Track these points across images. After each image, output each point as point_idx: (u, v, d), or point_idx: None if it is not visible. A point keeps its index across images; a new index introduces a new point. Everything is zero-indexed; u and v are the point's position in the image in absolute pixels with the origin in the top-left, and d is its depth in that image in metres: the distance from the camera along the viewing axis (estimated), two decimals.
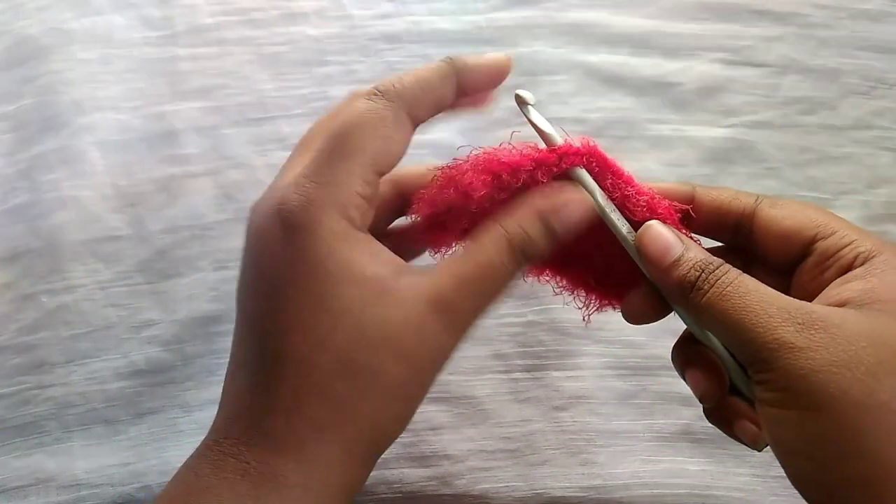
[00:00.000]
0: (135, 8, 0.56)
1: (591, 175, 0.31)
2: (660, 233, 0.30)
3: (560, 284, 0.35)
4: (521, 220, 0.30)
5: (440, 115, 0.32)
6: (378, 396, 0.29)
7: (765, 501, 0.46)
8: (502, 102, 0.53)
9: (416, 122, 0.31)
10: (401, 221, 0.36)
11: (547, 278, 0.35)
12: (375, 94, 0.30)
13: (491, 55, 0.33)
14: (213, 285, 0.49)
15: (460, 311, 0.30)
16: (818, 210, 0.31)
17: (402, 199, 0.34)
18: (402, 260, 0.30)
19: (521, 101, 0.33)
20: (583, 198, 0.31)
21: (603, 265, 0.34)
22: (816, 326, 0.26)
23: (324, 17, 0.56)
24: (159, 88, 0.54)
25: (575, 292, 0.35)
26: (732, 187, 0.34)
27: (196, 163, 0.52)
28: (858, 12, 0.55)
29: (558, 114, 0.53)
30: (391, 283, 0.29)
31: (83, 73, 0.54)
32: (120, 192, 0.51)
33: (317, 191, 0.28)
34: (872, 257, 0.29)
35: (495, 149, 0.31)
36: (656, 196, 0.32)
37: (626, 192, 0.32)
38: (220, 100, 0.53)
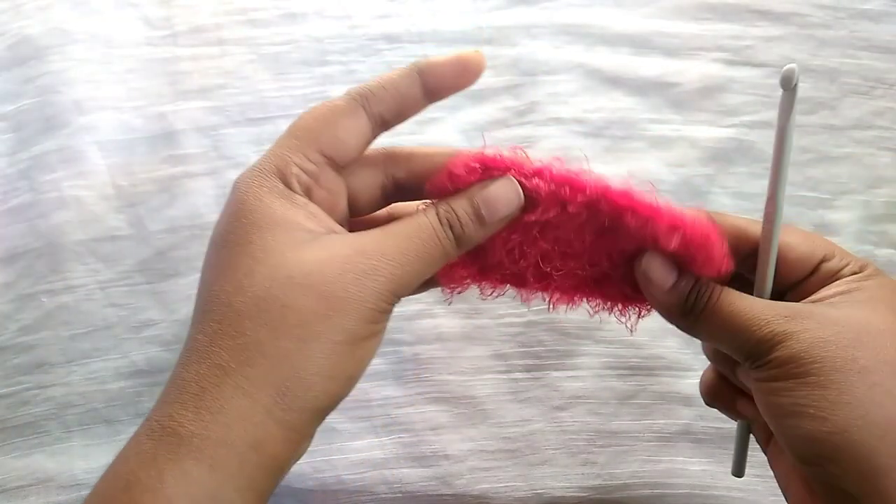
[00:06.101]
0: (135, 8, 0.56)
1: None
2: (661, 261, 0.33)
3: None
4: (454, 201, 0.32)
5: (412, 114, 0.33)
6: (289, 333, 0.28)
7: (765, 501, 0.46)
8: (502, 102, 0.53)
9: (375, 115, 0.32)
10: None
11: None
12: (341, 95, 0.33)
13: (458, 53, 0.33)
14: None
15: (384, 266, 0.30)
16: (819, 237, 0.35)
17: (419, 182, 0.35)
18: (337, 224, 0.32)
19: None
20: (513, 193, 0.32)
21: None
22: (802, 316, 0.30)
23: (324, 17, 0.55)
24: (160, 88, 0.54)
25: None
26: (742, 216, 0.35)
27: (196, 163, 0.52)
28: (858, 12, 0.55)
29: (558, 114, 0.53)
30: (320, 234, 0.30)
31: (83, 73, 0.54)
32: (120, 192, 0.51)
33: (260, 159, 0.31)
34: (859, 271, 0.33)
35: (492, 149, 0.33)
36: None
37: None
38: (220, 100, 0.53)
